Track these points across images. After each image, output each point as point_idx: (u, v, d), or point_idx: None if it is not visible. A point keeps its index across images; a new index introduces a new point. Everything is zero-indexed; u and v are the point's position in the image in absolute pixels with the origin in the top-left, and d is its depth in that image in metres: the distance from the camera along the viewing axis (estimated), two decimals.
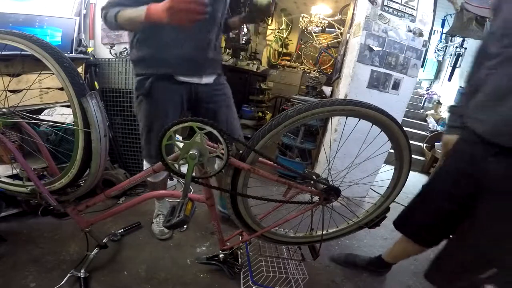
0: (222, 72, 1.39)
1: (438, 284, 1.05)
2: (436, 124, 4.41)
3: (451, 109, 1.13)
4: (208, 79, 1.28)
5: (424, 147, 3.74)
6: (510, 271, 0.84)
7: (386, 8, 1.89)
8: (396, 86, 2.05)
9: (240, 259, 1.26)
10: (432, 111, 4.95)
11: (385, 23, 1.91)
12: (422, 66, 2.11)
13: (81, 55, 1.81)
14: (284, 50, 5.49)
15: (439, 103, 5.05)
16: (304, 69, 4.98)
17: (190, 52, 1.16)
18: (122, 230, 1.44)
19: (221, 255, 1.23)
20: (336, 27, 3.66)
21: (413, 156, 1.09)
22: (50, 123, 1.43)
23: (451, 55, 5.38)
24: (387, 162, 2.13)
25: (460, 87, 3.69)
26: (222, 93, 1.36)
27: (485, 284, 0.89)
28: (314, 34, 3.96)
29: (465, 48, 3.55)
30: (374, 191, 1.26)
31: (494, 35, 0.92)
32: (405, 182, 1.08)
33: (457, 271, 0.96)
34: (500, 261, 0.85)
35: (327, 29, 3.84)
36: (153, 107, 1.21)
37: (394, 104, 2.07)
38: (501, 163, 0.85)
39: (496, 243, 0.87)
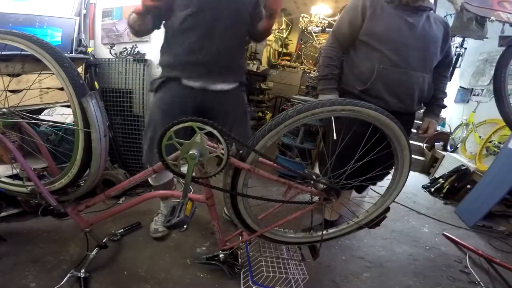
0: (244, 83, 1.31)
1: None
2: None
3: None
4: (218, 86, 1.21)
5: (424, 147, 3.74)
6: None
7: None
8: None
9: (240, 259, 1.27)
10: None
11: None
12: None
13: (81, 55, 1.81)
14: (284, 50, 5.49)
15: None
16: (304, 69, 4.98)
17: (197, 57, 1.15)
18: (122, 230, 1.44)
19: (221, 255, 1.23)
20: None
21: (413, 156, 1.09)
22: (50, 123, 1.43)
23: None
24: None
25: (460, 87, 3.68)
26: (235, 106, 1.28)
27: None
28: (314, 34, 3.96)
29: (465, 48, 3.54)
30: (374, 191, 1.26)
31: None
32: (405, 182, 1.08)
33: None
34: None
35: (327, 29, 3.84)
36: (158, 105, 1.22)
37: None
38: None
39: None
